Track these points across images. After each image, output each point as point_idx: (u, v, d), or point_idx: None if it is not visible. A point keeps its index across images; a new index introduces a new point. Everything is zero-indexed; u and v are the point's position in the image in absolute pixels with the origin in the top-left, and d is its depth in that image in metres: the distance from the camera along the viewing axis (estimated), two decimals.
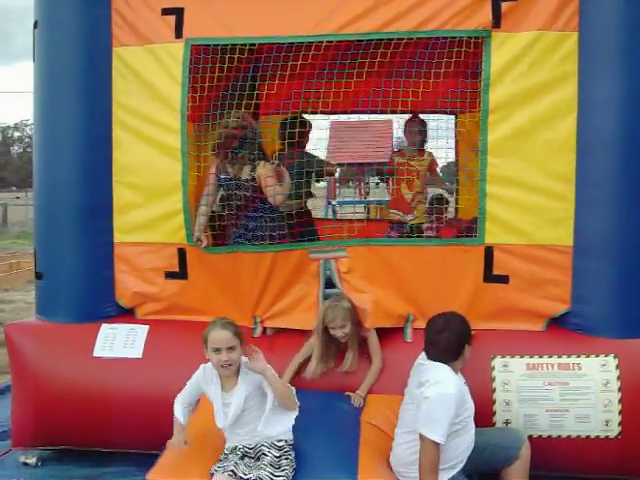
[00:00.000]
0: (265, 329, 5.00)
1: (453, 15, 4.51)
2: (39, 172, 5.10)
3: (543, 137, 4.50)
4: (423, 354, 3.93)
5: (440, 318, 3.92)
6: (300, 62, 4.67)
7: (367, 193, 14.34)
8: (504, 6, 4.46)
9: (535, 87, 4.49)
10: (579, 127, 4.47)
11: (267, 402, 3.74)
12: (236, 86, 4.84)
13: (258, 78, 5.62)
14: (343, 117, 8.58)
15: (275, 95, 4.98)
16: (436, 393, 3.61)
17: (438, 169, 6.63)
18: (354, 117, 7.78)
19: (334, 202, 12.79)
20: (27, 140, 64.09)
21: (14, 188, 53.62)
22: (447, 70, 4.60)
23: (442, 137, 5.41)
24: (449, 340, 3.79)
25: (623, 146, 4.37)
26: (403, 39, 4.60)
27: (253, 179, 4.96)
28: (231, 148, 4.95)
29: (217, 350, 3.72)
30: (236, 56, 4.78)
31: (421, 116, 6.49)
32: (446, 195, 7.18)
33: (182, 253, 4.98)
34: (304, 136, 5.94)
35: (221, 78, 4.79)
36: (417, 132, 6.30)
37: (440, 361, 3.77)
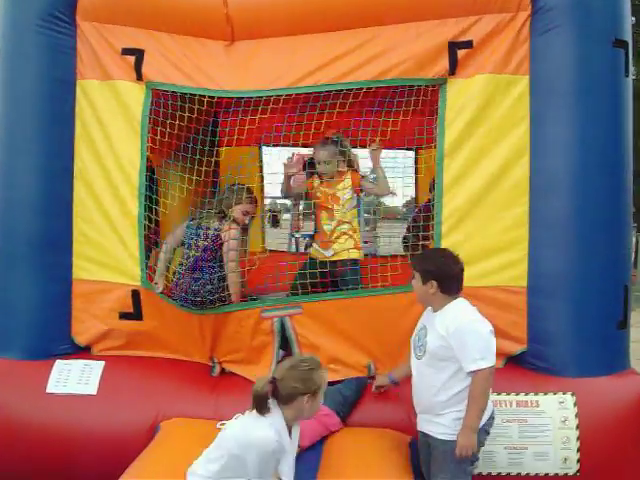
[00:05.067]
0: (223, 368, 4.93)
1: (411, 64, 4.57)
2: None
3: (496, 180, 4.56)
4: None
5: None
6: (259, 116, 4.72)
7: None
8: (460, 54, 4.54)
9: (487, 131, 4.55)
10: (532, 169, 4.54)
11: None
12: (196, 139, 4.87)
13: (217, 134, 5.62)
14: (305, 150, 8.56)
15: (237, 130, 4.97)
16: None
17: (367, 183, 5.37)
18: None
19: (297, 235, 12.72)
20: None
21: None
22: (405, 112, 4.66)
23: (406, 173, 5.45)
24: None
25: (574, 187, 4.45)
26: (362, 88, 4.64)
27: (217, 236, 4.90)
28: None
29: None
30: (196, 107, 4.78)
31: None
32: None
33: (136, 295, 4.90)
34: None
35: (182, 126, 4.80)
36: (328, 155, 5.18)
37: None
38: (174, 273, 5.01)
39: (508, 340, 4.56)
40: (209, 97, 4.79)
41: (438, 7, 4.58)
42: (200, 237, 4.92)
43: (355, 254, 5.15)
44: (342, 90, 4.67)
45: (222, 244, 4.88)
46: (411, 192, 7.73)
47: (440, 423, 3.78)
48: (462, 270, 3.89)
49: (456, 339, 3.66)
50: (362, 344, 4.73)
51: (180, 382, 4.78)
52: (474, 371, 3.63)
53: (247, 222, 5.11)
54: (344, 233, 5.17)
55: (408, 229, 6.35)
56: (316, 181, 5.32)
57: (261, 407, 3.39)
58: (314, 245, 5.33)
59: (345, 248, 5.13)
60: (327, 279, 5.07)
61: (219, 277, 4.83)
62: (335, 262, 5.11)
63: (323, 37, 4.74)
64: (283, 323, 4.72)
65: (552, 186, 4.47)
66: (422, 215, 5.23)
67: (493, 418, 3.87)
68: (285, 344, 4.78)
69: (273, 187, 6.59)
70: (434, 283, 3.80)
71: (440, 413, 3.77)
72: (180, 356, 5.00)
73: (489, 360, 3.64)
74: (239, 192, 4.99)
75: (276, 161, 5.89)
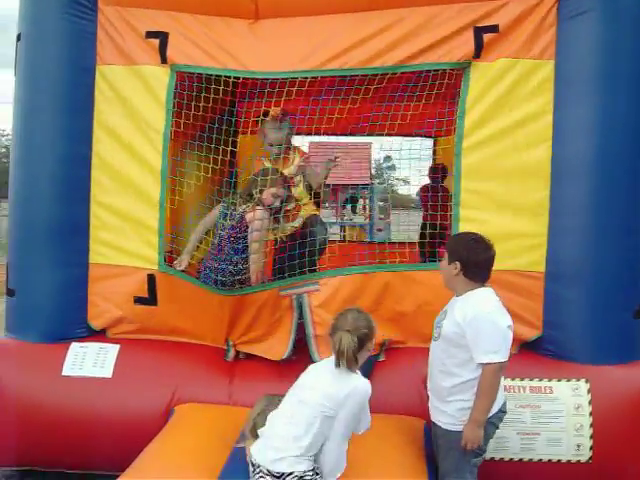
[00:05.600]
0: (238, 352, 4.95)
1: (437, 48, 4.58)
2: (16, 187, 5.04)
3: (517, 164, 4.56)
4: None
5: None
6: (284, 98, 4.71)
7: (343, 214, 14.37)
8: (486, 37, 4.54)
9: (510, 114, 4.55)
10: (553, 155, 4.53)
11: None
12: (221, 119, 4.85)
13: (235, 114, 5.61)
14: (323, 139, 8.57)
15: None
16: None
17: (316, 166, 5.53)
18: (333, 139, 7.72)
19: None
20: (3, 150, 63.29)
21: None
22: (429, 93, 4.67)
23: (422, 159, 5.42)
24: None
25: (596, 174, 4.43)
26: (387, 74, 4.65)
27: (242, 217, 4.90)
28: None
29: None
30: (221, 87, 4.79)
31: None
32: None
33: (152, 279, 4.92)
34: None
35: (206, 107, 4.81)
36: (281, 137, 5.23)
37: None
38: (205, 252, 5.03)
39: (523, 325, 4.55)
40: (234, 78, 4.80)
41: None
42: (228, 218, 4.92)
43: (313, 210, 5.48)
44: (366, 75, 4.67)
45: (247, 225, 4.88)
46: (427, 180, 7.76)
47: (446, 412, 3.77)
48: (491, 259, 3.77)
49: (472, 328, 3.60)
50: (377, 320, 4.65)
51: (194, 366, 4.81)
52: (485, 364, 3.58)
53: (277, 205, 5.04)
54: (305, 204, 5.47)
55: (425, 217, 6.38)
56: (266, 163, 5.36)
57: (351, 362, 3.42)
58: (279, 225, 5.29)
59: (309, 212, 5.44)
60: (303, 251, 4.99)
61: (242, 258, 4.86)
62: (303, 224, 5.32)
63: (349, 18, 4.73)
64: (300, 301, 4.71)
65: (573, 172, 4.46)
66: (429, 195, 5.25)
67: (503, 412, 3.82)
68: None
69: None
70: (458, 265, 3.75)
71: (446, 400, 3.75)
72: (194, 340, 5.03)
73: (502, 355, 3.57)
74: (272, 175, 4.96)
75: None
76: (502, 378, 3.74)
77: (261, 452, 3.48)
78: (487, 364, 3.56)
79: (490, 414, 3.68)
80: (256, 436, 3.68)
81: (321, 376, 3.54)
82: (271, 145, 5.27)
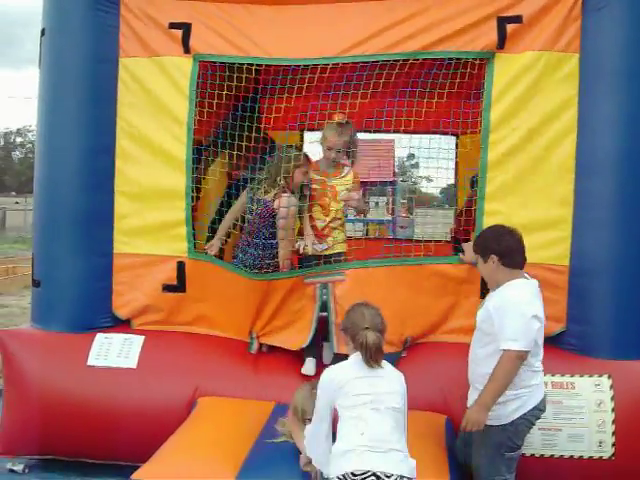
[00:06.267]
0: (261, 345, 4.96)
1: (459, 37, 4.56)
2: (40, 179, 5.11)
3: (542, 157, 4.54)
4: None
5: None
6: (306, 84, 4.71)
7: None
8: (509, 28, 4.51)
9: (535, 108, 4.53)
10: (578, 148, 4.51)
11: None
12: (244, 106, 4.86)
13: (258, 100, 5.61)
14: None
15: (283, 112, 4.99)
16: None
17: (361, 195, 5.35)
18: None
19: None
20: (29, 146, 63.89)
21: (13, 193, 53.51)
22: (450, 91, 4.66)
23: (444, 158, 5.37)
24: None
25: (622, 168, 4.41)
26: (409, 60, 4.64)
27: (267, 203, 4.87)
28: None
29: None
30: (244, 75, 4.81)
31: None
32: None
33: (181, 266, 4.95)
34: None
35: (228, 96, 4.84)
36: (344, 143, 4.99)
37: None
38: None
39: (547, 319, 4.48)
40: (257, 65, 4.83)
41: None
42: (255, 203, 4.93)
43: (343, 247, 5.16)
44: (388, 61, 4.65)
45: (273, 212, 4.86)
46: (450, 179, 7.70)
47: None
48: (520, 240, 3.87)
49: (498, 315, 3.67)
50: (401, 316, 4.64)
51: (218, 358, 4.84)
52: (504, 350, 3.60)
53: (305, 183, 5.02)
54: (337, 227, 5.15)
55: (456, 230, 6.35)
56: (314, 174, 5.09)
57: (381, 357, 3.44)
58: (304, 242, 5.02)
59: (339, 241, 5.13)
60: None
61: (268, 244, 4.88)
62: (328, 256, 5.00)
63: (372, 5, 4.73)
64: (325, 289, 4.71)
65: (598, 165, 4.44)
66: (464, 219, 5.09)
67: (540, 410, 3.81)
68: (325, 310, 4.76)
69: None
70: (494, 257, 3.82)
71: (478, 388, 3.75)
72: (219, 332, 5.04)
73: (521, 344, 3.59)
74: (296, 155, 4.92)
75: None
76: (540, 373, 3.79)
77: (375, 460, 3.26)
78: (506, 350, 3.59)
79: (525, 410, 3.71)
80: (304, 422, 3.71)
81: (380, 379, 3.43)
82: (329, 149, 5.03)
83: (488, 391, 3.62)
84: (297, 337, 4.75)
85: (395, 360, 4.53)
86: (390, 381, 3.43)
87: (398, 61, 4.67)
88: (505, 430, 3.72)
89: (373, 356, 3.38)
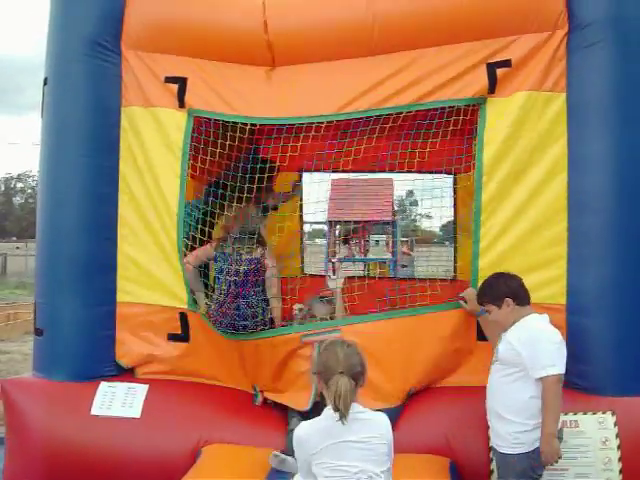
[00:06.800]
0: (266, 399, 4.91)
1: (450, 86, 4.63)
2: (43, 227, 5.14)
3: (534, 196, 4.58)
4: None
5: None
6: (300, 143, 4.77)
7: (367, 250, 14.28)
8: (499, 72, 4.58)
9: (525, 147, 4.57)
10: (570, 186, 4.54)
11: None
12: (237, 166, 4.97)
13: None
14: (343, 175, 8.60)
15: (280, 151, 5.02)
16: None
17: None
18: (354, 175, 7.76)
19: (334, 259, 12.72)
20: (29, 191, 64.07)
21: (14, 238, 53.58)
22: (445, 131, 4.70)
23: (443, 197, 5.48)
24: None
25: (614, 204, 4.45)
26: (402, 112, 4.70)
27: (257, 261, 5.00)
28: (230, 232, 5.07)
29: None
30: (237, 135, 4.86)
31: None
32: None
33: (184, 317, 4.96)
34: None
35: (222, 153, 4.90)
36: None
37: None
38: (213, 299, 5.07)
39: None
40: (250, 125, 4.87)
41: (476, 29, 4.64)
42: (240, 263, 4.97)
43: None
44: (382, 115, 4.72)
45: (264, 270, 4.96)
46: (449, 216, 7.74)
47: (500, 435, 3.93)
48: (520, 278, 4.11)
49: (528, 346, 3.82)
50: (404, 367, 4.63)
51: (223, 409, 4.82)
52: (544, 377, 3.74)
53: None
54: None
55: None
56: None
57: (349, 408, 3.11)
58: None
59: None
60: None
61: (261, 300, 4.92)
62: None
63: (361, 62, 4.82)
64: None
65: (590, 203, 4.48)
66: None
67: (559, 438, 3.87)
68: None
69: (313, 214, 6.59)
70: (509, 300, 3.99)
71: (501, 419, 3.90)
72: (222, 382, 5.04)
73: (559, 367, 3.78)
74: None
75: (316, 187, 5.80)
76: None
77: None
78: (546, 377, 3.74)
79: (532, 448, 3.81)
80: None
81: (354, 444, 3.14)
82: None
83: (547, 420, 3.77)
84: (302, 396, 4.67)
85: (397, 413, 4.49)
86: (369, 440, 3.14)
87: (392, 114, 4.72)
88: (528, 457, 3.84)
89: (344, 410, 3.07)
